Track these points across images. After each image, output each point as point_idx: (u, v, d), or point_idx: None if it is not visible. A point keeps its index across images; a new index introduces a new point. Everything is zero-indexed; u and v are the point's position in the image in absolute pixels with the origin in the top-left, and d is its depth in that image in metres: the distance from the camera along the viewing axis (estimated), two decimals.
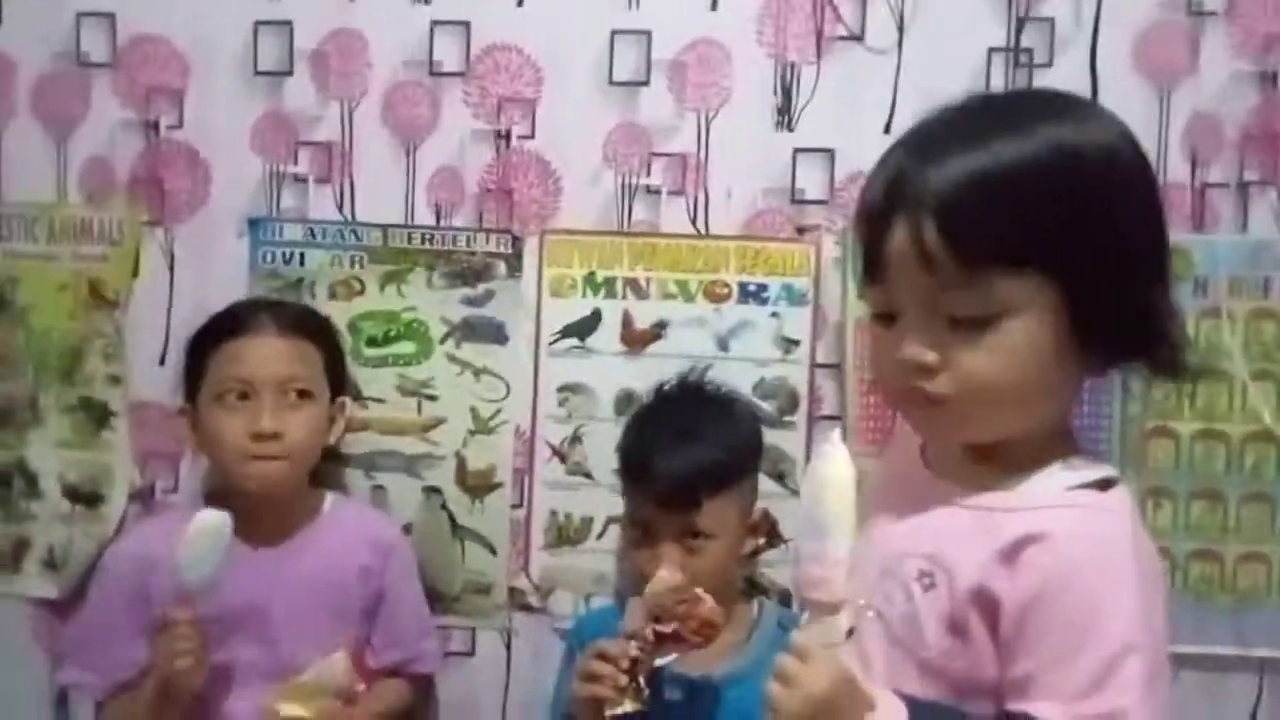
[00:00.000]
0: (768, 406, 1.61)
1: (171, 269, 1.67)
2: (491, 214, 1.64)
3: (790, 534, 1.56)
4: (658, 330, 1.63)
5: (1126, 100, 1.51)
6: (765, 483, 1.56)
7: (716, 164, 1.61)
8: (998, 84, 1.56)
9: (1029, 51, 1.57)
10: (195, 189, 1.66)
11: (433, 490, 1.66)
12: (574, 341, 1.64)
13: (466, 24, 1.62)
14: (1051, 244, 0.86)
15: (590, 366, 1.64)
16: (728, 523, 1.43)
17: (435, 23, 1.62)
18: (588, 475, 1.65)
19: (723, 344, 1.62)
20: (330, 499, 1.59)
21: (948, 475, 0.97)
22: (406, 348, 1.66)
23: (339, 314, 1.64)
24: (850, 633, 0.92)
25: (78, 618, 1.57)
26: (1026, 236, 0.86)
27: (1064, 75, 1.55)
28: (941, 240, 0.86)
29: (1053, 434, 0.94)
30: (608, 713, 1.30)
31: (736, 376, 1.59)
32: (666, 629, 1.31)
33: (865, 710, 0.88)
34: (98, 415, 1.68)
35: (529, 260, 1.64)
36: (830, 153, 1.60)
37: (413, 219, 1.65)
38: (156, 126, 1.66)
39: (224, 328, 1.51)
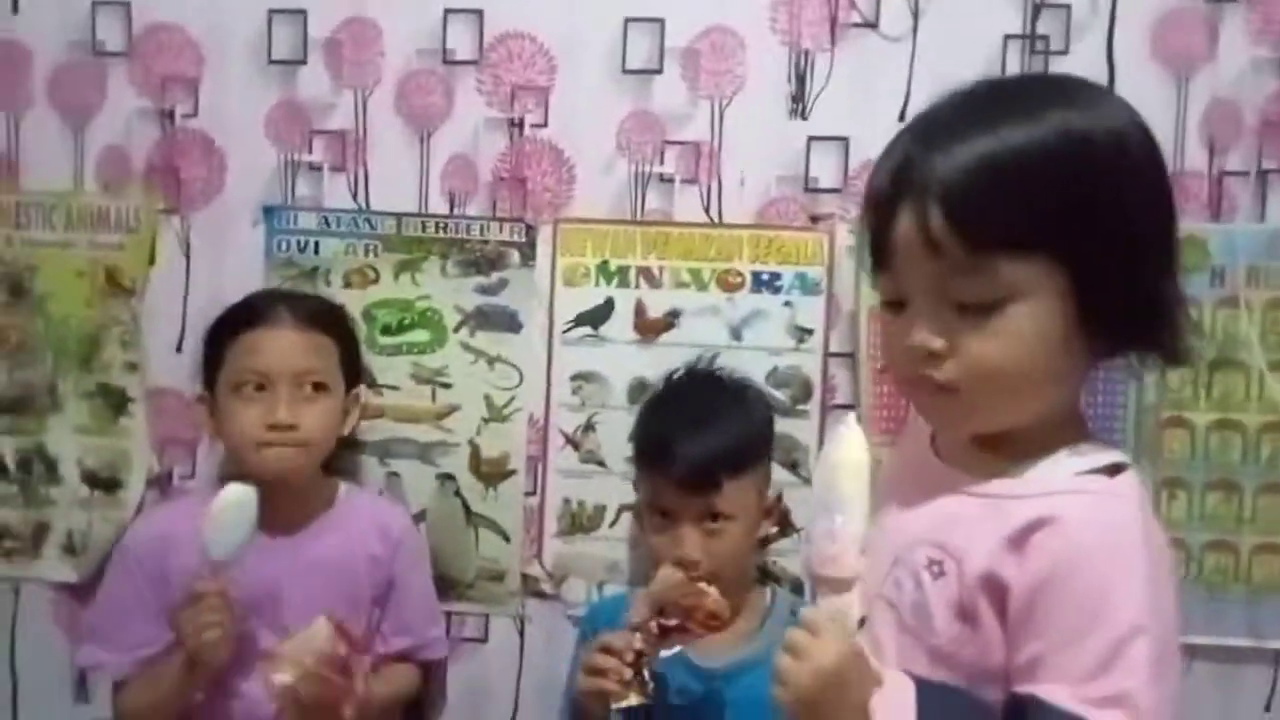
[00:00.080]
0: (781, 395, 1.61)
1: (188, 257, 1.69)
2: (505, 202, 1.64)
3: (803, 523, 1.56)
4: (671, 319, 1.63)
5: (1143, 87, 1.50)
6: (778, 471, 1.56)
7: (730, 152, 1.61)
8: (1013, 71, 1.54)
9: (1045, 38, 1.56)
10: (210, 177, 1.67)
11: (447, 477, 1.67)
12: (587, 330, 1.64)
13: (480, 12, 1.62)
14: (1059, 229, 0.85)
15: (603, 355, 1.64)
16: (746, 504, 1.44)
17: (449, 11, 1.62)
18: (601, 463, 1.65)
19: (736, 333, 1.62)
20: (344, 488, 1.60)
21: (957, 463, 0.97)
22: (421, 336, 1.66)
23: (353, 302, 1.65)
24: (862, 622, 0.93)
25: (96, 598, 1.58)
26: (1033, 221, 0.85)
27: (1080, 62, 1.53)
28: (947, 226, 0.86)
29: (1061, 420, 0.93)
30: (613, 706, 1.31)
31: (750, 365, 1.59)
32: (671, 622, 1.32)
33: (873, 685, 0.89)
34: (115, 401, 1.70)
35: (542, 249, 1.64)
36: (844, 141, 1.59)
37: (426, 207, 1.65)
38: (172, 115, 1.67)
39: (241, 319, 1.52)
